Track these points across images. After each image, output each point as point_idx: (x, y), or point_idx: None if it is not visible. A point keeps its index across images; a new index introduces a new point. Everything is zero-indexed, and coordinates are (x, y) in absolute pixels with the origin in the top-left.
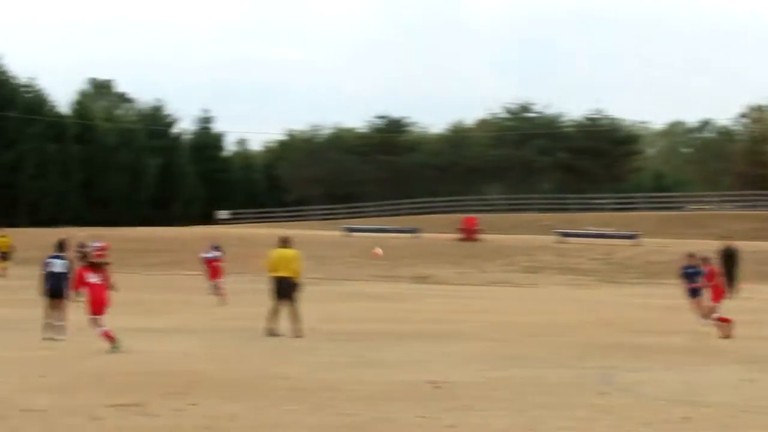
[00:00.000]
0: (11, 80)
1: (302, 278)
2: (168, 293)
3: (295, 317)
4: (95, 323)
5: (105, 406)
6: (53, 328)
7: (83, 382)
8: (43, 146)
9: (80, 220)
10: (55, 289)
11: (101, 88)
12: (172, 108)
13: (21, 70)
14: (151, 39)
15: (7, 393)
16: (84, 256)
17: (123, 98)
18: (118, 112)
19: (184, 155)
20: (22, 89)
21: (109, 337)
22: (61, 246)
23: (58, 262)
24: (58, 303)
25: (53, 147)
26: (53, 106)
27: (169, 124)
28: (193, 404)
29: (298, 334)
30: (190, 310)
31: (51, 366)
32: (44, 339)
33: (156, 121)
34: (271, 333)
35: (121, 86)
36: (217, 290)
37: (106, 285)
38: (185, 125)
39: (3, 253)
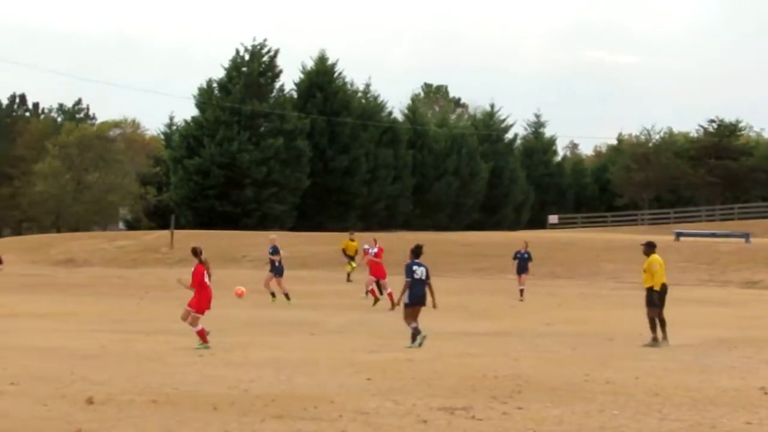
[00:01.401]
0: (347, 87)
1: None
2: (496, 297)
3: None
4: (196, 321)
5: (433, 409)
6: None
7: (412, 385)
8: (376, 151)
9: (410, 225)
10: (421, 295)
11: (435, 93)
12: (504, 113)
13: (357, 77)
14: (484, 45)
15: (333, 394)
16: (197, 254)
17: (456, 103)
18: (451, 117)
19: (515, 160)
20: (357, 95)
21: (202, 335)
22: (418, 251)
23: (421, 269)
24: (419, 310)
25: (386, 152)
26: (389, 112)
27: (502, 130)
28: (519, 408)
29: (666, 339)
30: (517, 313)
31: (380, 369)
32: (408, 348)
33: (488, 126)
34: (656, 343)
35: (454, 91)
36: (372, 289)
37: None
38: (517, 130)
39: (350, 256)
